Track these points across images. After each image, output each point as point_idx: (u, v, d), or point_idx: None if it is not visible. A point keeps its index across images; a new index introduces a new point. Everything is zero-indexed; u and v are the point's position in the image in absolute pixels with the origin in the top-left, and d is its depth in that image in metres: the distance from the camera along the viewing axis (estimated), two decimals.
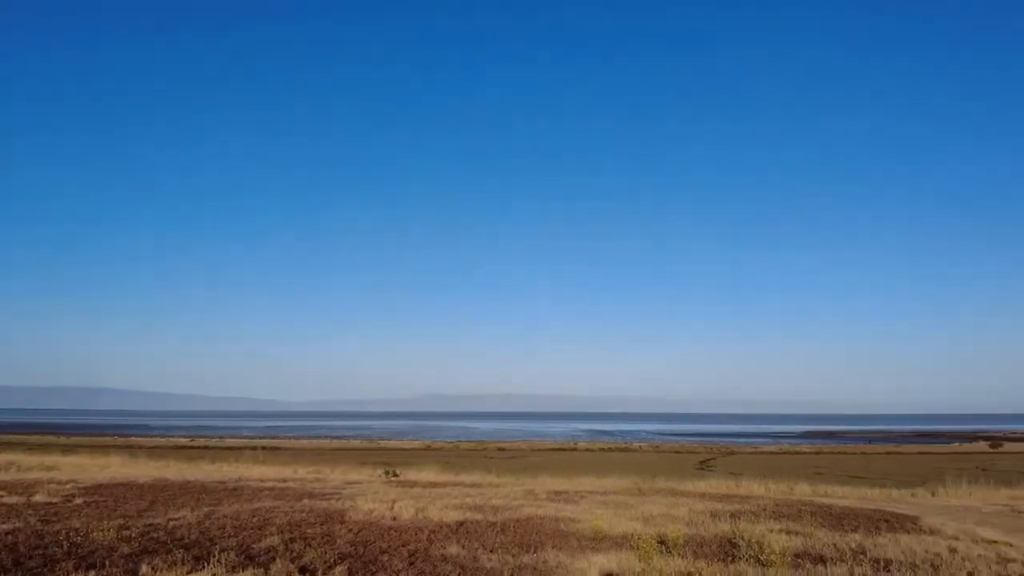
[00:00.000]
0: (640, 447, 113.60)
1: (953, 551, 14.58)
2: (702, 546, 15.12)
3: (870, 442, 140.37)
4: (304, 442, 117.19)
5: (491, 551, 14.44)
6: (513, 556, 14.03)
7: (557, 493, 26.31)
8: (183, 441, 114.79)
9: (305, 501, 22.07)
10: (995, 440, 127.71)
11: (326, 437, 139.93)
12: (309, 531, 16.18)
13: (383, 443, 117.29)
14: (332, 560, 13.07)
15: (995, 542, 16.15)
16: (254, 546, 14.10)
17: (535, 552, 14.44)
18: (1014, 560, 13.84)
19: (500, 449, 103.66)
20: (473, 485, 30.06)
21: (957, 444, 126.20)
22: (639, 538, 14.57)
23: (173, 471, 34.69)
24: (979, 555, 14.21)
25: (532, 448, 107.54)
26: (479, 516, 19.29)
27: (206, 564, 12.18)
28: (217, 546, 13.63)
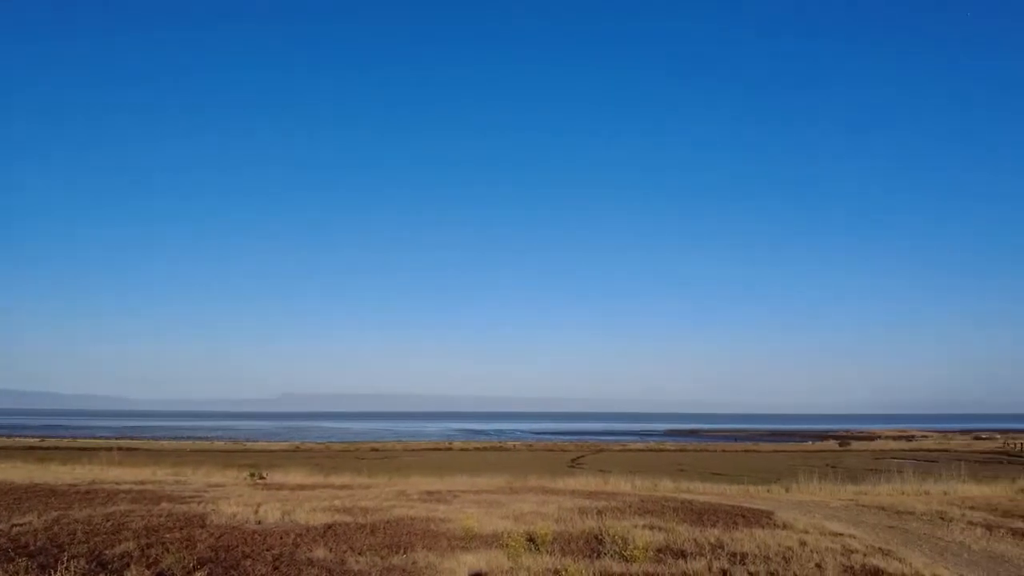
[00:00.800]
0: (514, 446, 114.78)
1: (803, 544, 15.44)
2: (570, 543, 15.42)
3: (737, 440, 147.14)
4: (164, 443, 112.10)
5: (360, 553, 14.24)
6: (382, 558, 13.88)
7: (430, 493, 26.23)
8: (32, 441, 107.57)
9: (164, 504, 21.12)
10: (843, 439, 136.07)
11: (188, 438, 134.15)
12: (167, 536, 15.48)
13: (249, 444, 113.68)
14: (191, 565, 12.56)
15: (841, 535, 17.21)
16: (107, 552, 13.37)
17: (405, 553, 14.34)
18: (856, 551, 14.80)
19: (373, 450, 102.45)
20: (343, 487, 29.56)
21: (810, 443, 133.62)
22: (509, 536, 14.71)
23: (20, 473, 32.48)
24: (826, 547, 15.10)
25: (406, 448, 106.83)
26: (348, 518, 18.99)
27: (53, 572, 11.45)
28: (66, 553, 12.84)
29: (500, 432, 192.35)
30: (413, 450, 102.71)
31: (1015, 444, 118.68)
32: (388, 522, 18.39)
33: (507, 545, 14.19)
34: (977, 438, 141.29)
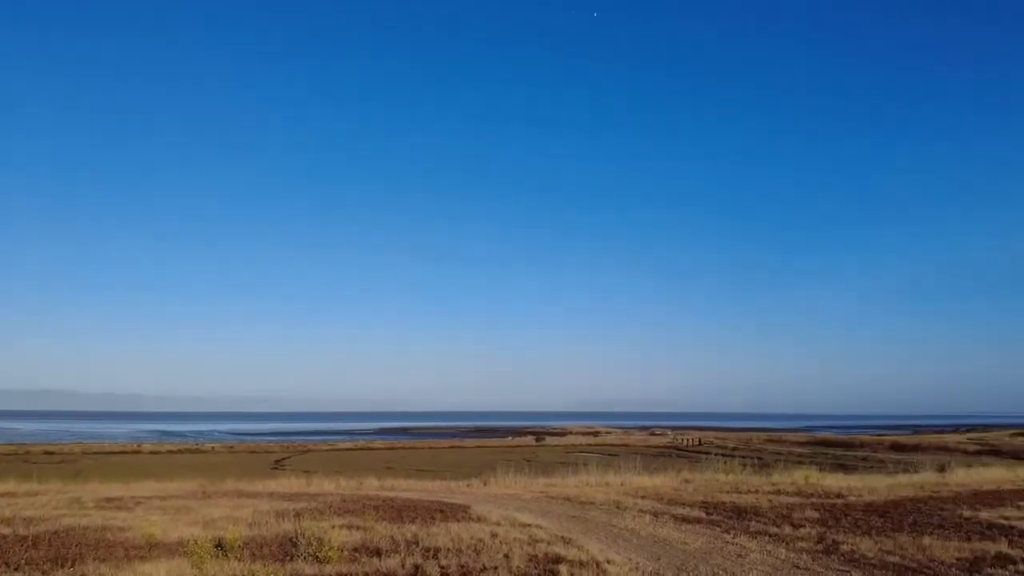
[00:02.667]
0: (213, 448, 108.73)
1: (494, 535, 16.13)
2: (262, 547, 14.81)
3: (444, 437, 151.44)
4: None
5: (16, 569, 12.59)
6: (44, 572, 12.39)
7: (109, 500, 23.95)
8: None
9: None
10: (539, 435, 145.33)
11: None
12: None
13: None
14: None
15: (529, 525, 18.22)
16: None
17: (73, 566, 12.91)
18: (542, 540, 15.75)
19: (47, 453, 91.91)
20: (5, 495, 26.10)
21: (510, 439, 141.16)
22: (195, 543, 13.79)
23: None
24: (515, 538, 15.90)
25: (86, 451, 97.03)
26: (7, 530, 16.76)
27: None
28: None
29: (198, 433, 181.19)
30: (95, 453, 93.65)
31: (683, 439, 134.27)
32: (56, 533, 16.48)
33: (192, 553, 13.29)
34: (652, 434, 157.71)
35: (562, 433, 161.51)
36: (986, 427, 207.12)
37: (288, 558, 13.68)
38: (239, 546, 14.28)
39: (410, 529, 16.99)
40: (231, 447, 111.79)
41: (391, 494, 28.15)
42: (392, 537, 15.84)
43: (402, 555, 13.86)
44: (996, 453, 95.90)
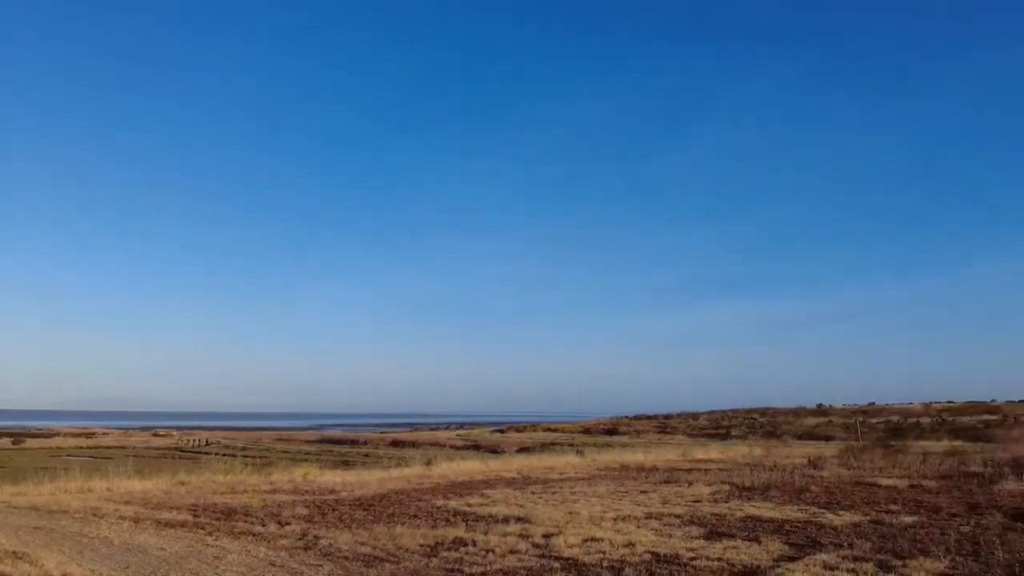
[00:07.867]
0: None
1: None
2: None
3: None
4: None
5: None
6: None
7: None
8: None
9: None
10: (19, 436, 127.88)
11: None
12: None
13: None
14: None
15: None
16: None
17: None
18: None
19: None
20: None
21: None
22: None
23: None
24: None
25: None
26: None
27: None
28: None
29: None
30: None
31: (189, 440, 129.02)
32: None
33: None
34: (156, 435, 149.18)
35: (48, 434, 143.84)
36: (473, 424, 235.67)
37: None
38: None
39: None
40: None
41: None
42: None
43: None
44: (477, 447, 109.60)
